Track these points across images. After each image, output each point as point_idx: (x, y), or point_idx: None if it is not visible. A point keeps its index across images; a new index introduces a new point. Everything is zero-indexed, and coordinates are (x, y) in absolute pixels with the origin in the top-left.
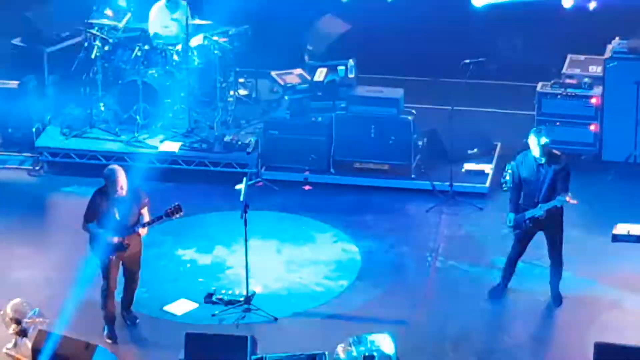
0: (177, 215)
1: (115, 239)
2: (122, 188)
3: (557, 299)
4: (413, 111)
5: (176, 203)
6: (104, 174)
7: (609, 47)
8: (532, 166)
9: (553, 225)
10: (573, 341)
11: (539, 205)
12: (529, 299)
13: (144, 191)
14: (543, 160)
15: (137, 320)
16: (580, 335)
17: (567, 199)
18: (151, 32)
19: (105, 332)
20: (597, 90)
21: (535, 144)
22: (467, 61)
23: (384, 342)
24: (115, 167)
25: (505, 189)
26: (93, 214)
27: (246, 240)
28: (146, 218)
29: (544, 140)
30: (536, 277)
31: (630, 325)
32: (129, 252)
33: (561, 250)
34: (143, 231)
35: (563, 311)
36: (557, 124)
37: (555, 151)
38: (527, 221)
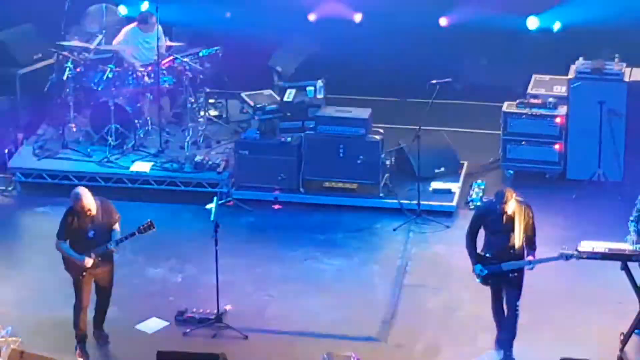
0: (150, 232)
1: (88, 258)
2: (89, 210)
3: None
4: (381, 131)
5: (148, 220)
6: (70, 197)
7: (573, 67)
8: (501, 218)
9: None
10: (539, 356)
11: (528, 259)
12: None
13: (114, 208)
14: (512, 212)
15: (109, 339)
16: (546, 350)
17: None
18: (123, 53)
19: (77, 350)
20: (562, 109)
21: (511, 202)
22: (434, 82)
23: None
24: (80, 190)
25: (472, 207)
26: (65, 233)
27: (217, 259)
28: (118, 234)
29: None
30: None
31: (595, 340)
32: (101, 270)
33: (518, 299)
34: (116, 248)
35: (529, 326)
36: (523, 143)
37: (518, 198)
38: (510, 273)
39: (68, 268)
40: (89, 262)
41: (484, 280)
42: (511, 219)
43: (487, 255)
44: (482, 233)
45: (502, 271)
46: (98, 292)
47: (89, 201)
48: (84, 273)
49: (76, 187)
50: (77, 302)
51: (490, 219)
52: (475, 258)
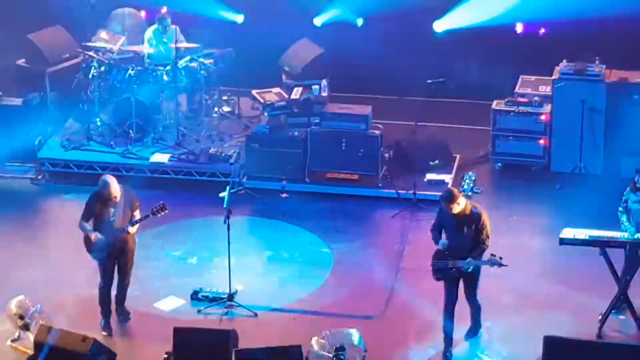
0: (163, 213)
1: (96, 233)
2: (115, 197)
3: (473, 332)
4: (380, 126)
5: (161, 202)
6: (98, 184)
7: (557, 69)
8: (450, 217)
9: (476, 270)
10: (521, 334)
11: (468, 260)
12: (487, 295)
13: (135, 196)
14: (463, 214)
15: (130, 316)
16: (531, 329)
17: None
18: (145, 53)
19: (102, 325)
20: (547, 107)
21: (463, 204)
22: (429, 81)
23: (354, 336)
24: (108, 178)
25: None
26: (89, 215)
27: (229, 243)
28: (137, 219)
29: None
30: (496, 276)
31: (576, 319)
32: (123, 250)
33: (477, 293)
34: (132, 229)
35: (515, 307)
36: (510, 138)
37: (473, 205)
38: (454, 270)
39: (90, 251)
40: (96, 236)
41: (435, 275)
42: (460, 220)
43: (443, 249)
44: None
45: (447, 267)
46: (120, 271)
47: (116, 188)
48: (106, 254)
49: (104, 175)
50: (101, 282)
51: (443, 217)
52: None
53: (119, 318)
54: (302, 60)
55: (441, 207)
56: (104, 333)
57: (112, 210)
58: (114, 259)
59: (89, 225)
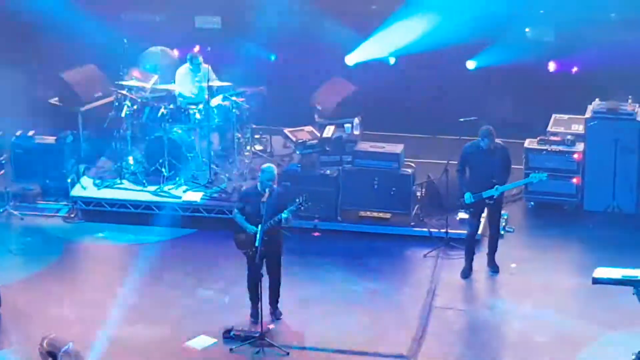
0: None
1: (256, 233)
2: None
3: (493, 267)
4: (412, 165)
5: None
6: (264, 170)
7: (590, 107)
8: (481, 155)
9: (500, 201)
10: None
11: (496, 186)
12: (521, 335)
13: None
14: (491, 147)
15: (281, 317)
16: None
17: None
18: (176, 92)
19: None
20: (579, 146)
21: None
22: (461, 119)
23: None
24: (272, 165)
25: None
26: (242, 206)
27: (261, 281)
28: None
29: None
30: (530, 316)
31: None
32: (269, 247)
33: (500, 222)
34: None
35: (548, 347)
36: None
37: (498, 141)
38: (487, 200)
39: (238, 246)
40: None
41: (467, 209)
42: (490, 155)
43: (474, 186)
44: None
45: (482, 198)
46: (268, 271)
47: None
48: (253, 249)
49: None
50: (248, 273)
51: (474, 157)
52: (466, 188)
53: (271, 317)
54: (334, 98)
55: (469, 150)
56: (252, 319)
57: (263, 205)
58: (261, 254)
59: (240, 214)
